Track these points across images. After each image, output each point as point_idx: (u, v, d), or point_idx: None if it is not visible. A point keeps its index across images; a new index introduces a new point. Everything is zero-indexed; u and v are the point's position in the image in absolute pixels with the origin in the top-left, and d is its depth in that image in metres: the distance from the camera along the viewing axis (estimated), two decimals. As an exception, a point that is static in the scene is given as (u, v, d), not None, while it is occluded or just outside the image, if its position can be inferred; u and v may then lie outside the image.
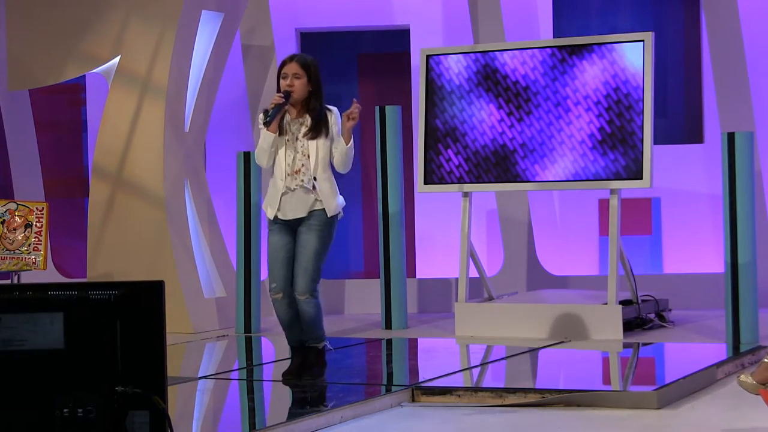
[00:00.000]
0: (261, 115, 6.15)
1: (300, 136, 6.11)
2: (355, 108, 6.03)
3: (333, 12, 10.03)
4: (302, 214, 6.07)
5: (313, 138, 6.09)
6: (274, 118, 6.05)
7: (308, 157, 6.09)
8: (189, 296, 8.67)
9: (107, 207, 8.95)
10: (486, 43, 9.11)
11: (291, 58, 6.15)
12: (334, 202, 6.11)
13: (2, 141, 10.34)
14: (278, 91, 6.12)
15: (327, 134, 6.12)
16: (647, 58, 7.71)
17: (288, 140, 6.12)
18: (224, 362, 7.63)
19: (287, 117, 6.16)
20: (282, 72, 6.14)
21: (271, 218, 6.13)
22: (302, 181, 6.07)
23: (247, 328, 8.57)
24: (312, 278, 6.03)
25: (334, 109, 6.22)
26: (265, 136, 6.10)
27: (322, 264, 6.10)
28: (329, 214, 6.08)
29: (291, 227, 6.11)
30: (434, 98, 8.29)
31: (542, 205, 9.73)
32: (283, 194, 6.08)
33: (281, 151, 6.12)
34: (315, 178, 6.08)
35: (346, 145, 6.07)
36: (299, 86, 6.09)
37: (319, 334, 6.14)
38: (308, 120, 6.12)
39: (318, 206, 6.08)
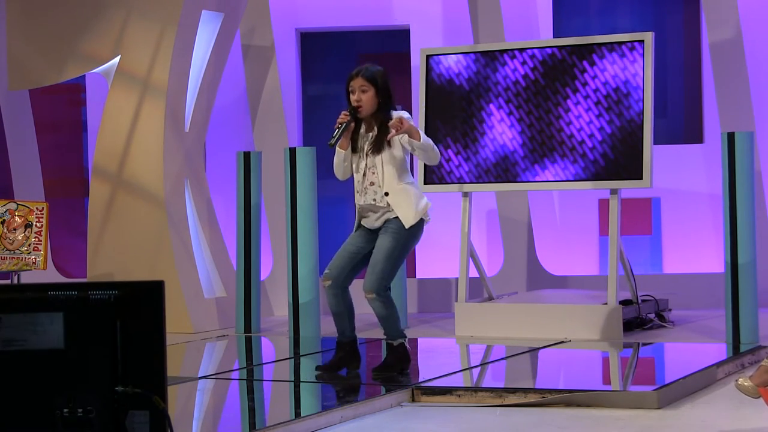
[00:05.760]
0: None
1: (367, 150, 6.00)
2: (396, 123, 5.85)
3: (333, 12, 10.03)
4: (378, 225, 6.02)
5: (376, 152, 5.97)
6: (340, 137, 5.93)
7: (374, 173, 5.99)
8: (189, 296, 8.67)
9: (107, 207, 8.95)
10: (486, 43, 9.11)
11: (357, 72, 5.98)
12: (411, 212, 5.96)
13: (2, 141, 10.34)
14: (347, 106, 6.00)
15: (391, 144, 5.96)
16: (647, 58, 7.71)
17: (360, 156, 6.02)
18: (224, 362, 7.63)
19: (361, 131, 6.04)
20: (349, 86, 6.00)
21: (356, 226, 6.12)
22: (373, 200, 5.99)
23: (247, 328, 8.57)
24: (379, 277, 5.93)
25: (397, 112, 5.99)
26: (338, 152, 6.00)
27: (395, 266, 5.99)
28: (406, 226, 5.95)
29: (372, 233, 6.07)
30: (434, 98, 8.28)
31: (542, 205, 9.73)
32: (360, 208, 6.07)
33: (356, 166, 6.04)
34: (387, 193, 5.97)
35: (418, 141, 5.88)
36: (366, 100, 5.95)
37: (392, 331, 6.10)
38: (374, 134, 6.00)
39: (392, 216, 5.98)
